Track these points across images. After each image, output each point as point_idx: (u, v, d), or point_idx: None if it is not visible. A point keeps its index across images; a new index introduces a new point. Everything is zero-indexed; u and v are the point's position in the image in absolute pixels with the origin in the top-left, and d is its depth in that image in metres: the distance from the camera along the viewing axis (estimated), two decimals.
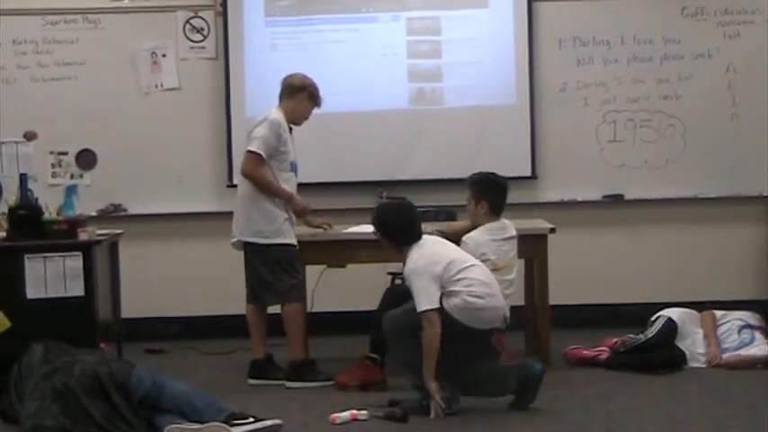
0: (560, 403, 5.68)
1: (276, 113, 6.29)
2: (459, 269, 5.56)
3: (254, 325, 6.39)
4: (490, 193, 6.29)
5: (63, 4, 7.80)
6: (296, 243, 6.31)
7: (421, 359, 5.47)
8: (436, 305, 5.45)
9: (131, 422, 5.05)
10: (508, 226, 6.34)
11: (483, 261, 5.93)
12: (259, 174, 6.18)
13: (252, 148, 6.17)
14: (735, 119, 7.86)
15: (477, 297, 5.54)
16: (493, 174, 6.43)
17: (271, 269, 6.25)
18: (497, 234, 6.24)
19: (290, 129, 6.36)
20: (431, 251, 5.61)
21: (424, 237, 5.71)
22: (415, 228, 5.70)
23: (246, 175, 6.21)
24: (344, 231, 6.60)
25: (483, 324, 5.58)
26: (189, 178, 7.85)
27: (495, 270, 6.04)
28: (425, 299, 5.45)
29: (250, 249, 6.30)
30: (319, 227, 6.56)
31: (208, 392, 5.31)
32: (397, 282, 6.61)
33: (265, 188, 6.22)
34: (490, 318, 5.61)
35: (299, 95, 6.35)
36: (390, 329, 5.62)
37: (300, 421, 5.42)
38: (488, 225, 6.26)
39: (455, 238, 6.13)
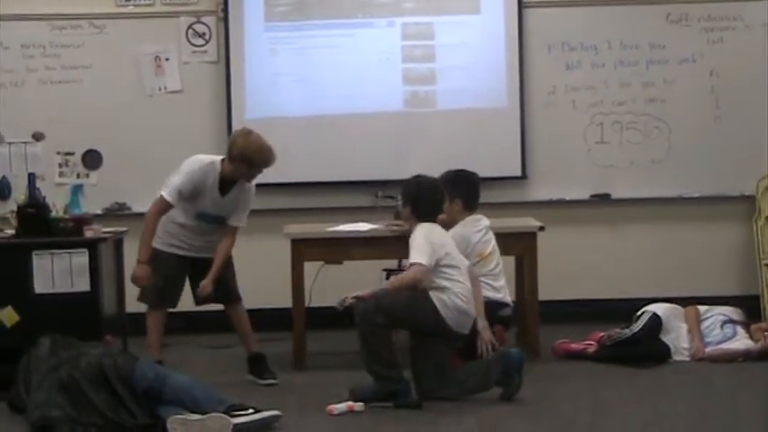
0: (549, 395, 5.77)
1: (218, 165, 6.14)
2: (451, 264, 5.66)
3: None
4: (462, 189, 6.40)
5: (69, 9, 7.84)
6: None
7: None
8: (429, 264, 5.55)
9: (135, 413, 5.13)
10: (482, 218, 6.44)
11: (473, 250, 6.21)
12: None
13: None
14: (718, 121, 7.93)
15: (463, 300, 5.65)
16: (463, 170, 6.52)
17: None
18: (476, 227, 6.38)
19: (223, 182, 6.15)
20: (442, 232, 5.79)
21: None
22: (438, 208, 5.86)
23: None
24: (340, 229, 6.66)
25: (460, 327, 5.68)
26: None
27: (480, 259, 6.25)
28: (424, 255, 5.55)
29: None
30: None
31: (209, 385, 5.37)
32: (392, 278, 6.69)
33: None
34: (467, 323, 5.73)
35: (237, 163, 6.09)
36: (362, 318, 5.62)
37: (298, 412, 5.48)
38: (466, 220, 6.40)
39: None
